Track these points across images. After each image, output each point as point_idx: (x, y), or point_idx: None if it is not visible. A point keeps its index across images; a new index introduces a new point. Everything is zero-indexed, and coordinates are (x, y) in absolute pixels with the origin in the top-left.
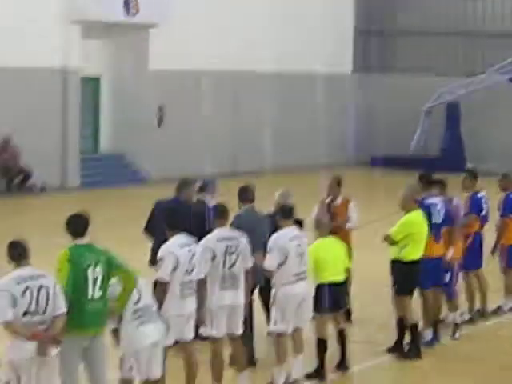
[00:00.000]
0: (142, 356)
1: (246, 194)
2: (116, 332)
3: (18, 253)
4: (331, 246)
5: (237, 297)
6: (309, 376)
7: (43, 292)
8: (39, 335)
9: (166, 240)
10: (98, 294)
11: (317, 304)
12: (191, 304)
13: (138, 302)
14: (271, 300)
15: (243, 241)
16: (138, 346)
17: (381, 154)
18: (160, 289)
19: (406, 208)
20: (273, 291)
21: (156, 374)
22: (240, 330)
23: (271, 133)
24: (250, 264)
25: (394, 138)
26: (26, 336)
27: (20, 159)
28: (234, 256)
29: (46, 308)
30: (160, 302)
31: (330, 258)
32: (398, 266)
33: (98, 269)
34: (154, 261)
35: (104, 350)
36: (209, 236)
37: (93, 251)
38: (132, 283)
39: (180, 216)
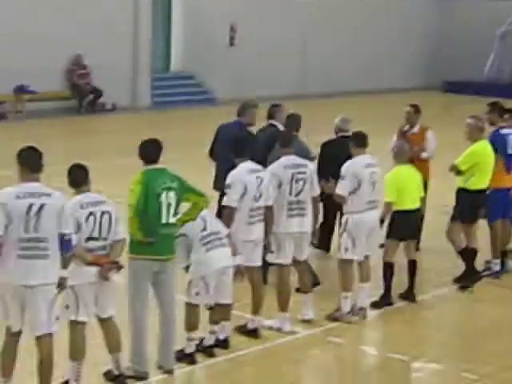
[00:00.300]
0: (210, 281)
1: (291, 122)
2: (187, 268)
3: (79, 178)
4: (408, 174)
5: (304, 224)
6: (375, 304)
7: (105, 218)
8: (101, 260)
9: (232, 166)
10: (171, 219)
11: (390, 230)
12: (259, 230)
13: (204, 229)
14: (341, 227)
15: (310, 168)
16: (206, 270)
17: (453, 79)
18: (228, 215)
19: (472, 138)
20: (344, 218)
21: (226, 298)
22: (305, 256)
23: (341, 56)
24: (317, 191)
25: (467, 62)
26: (88, 261)
27: (91, 78)
28: (300, 183)
29: (108, 234)
30: (227, 227)
31: (407, 185)
32: (463, 194)
33: (172, 194)
34: (217, 185)
35: (174, 274)
36: (275, 163)
37: (166, 176)
38: (203, 205)
39: (248, 143)
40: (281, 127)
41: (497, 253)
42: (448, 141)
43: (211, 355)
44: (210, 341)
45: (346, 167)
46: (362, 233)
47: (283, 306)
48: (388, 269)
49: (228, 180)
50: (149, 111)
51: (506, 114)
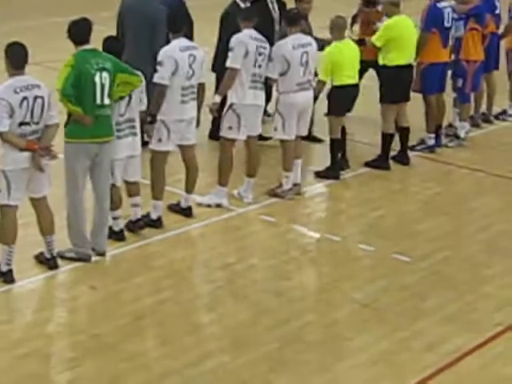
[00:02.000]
0: (116, 165)
1: None
2: None
3: (17, 60)
4: (346, 49)
5: (263, 97)
6: (320, 174)
7: (39, 102)
8: (33, 146)
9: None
10: (106, 100)
11: (330, 107)
12: (192, 109)
13: (123, 114)
14: (274, 107)
15: (268, 46)
16: (117, 157)
17: None
18: (159, 92)
19: (389, 13)
20: (276, 98)
21: (133, 177)
22: (259, 131)
23: None
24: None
25: None
26: (21, 146)
27: None
28: (262, 57)
29: (40, 118)
30: (158, 105)
31: (344, 61)
32: (384, 72)
33: (105, 74)
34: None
35: (110, 157)
36: (240, 33)
37: (99, 56)
38: (136, 84)
39: (183, 17)
40: (241, 4)
41: (432, 127)
42: None
43: (136, 231)
44: (135, 216)
45: (275, 49)
46: (293, 114)
47: (224, 180)
48: (335, 144)
49: (159, 57)
50: None
51: None
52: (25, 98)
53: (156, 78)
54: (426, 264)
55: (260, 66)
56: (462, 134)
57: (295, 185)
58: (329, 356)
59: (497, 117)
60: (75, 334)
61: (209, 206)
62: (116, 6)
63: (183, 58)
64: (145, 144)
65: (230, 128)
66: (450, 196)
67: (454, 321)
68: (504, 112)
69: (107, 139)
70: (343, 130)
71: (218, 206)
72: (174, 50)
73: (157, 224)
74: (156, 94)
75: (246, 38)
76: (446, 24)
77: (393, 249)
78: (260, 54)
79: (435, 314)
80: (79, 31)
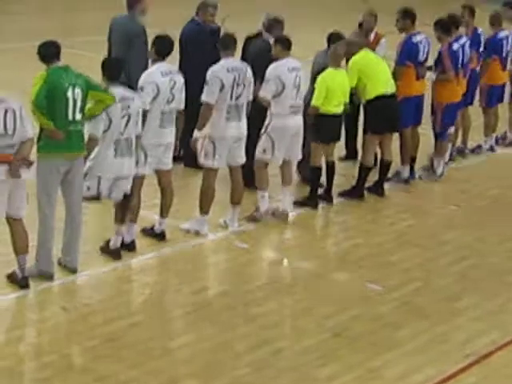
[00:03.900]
0: (104, 181)
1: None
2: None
3: None
4: (338, 78)
5: (241, 128)
6: (299, 203)
7: (9, 115)
8: (9, 158)
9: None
10: (78, 116)
11: (316, 133)
12: (170, 134)
13: (123, 133)
14: (263, 129)
15: (249, 72)
16: (107, 175)
17: None
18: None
19: (349, 53)
20: (267, 121)
21: (120, 197)
22: (243, 161)
23: None
24: (251, 96)
25: None
26: None
27: None
28: (240, 87)
29: (14, 131)
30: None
31: (334, 89)
32: (368, 105)
33: (77, 90)
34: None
35: (82, 174)
36: (216, 66)
37: (70, 73)
38: (109, 102)
39: (168, 43)
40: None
41: (407, 160)
42: None
43: (117, 258)
44: (116, 243)
45: (271, 69)
46: (284, 137)
47: (205, 208)
48: (315, 172)
49: (140, 83)
50: None
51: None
52: None
53: None
54: (398, 294)
55: (238, 97)
56: (438, 170)
57: (283, 212)
58: (299, 383)
59: (472, 151)
60: (46, 354)
61: (188, 231)
62: None
63: (164, 83)
64: None
65: (206, 155)
66: (423, 228)
67: (426, 351)
68: (479, 146)
69: (78, 154)
70: (332, 165)
71: (197, 233)
72: (155, 75)
73: (130, 247)
74: None
75: (223, 71)
76: (421, 58)
77: (366, 278)
78: (238, 85)
79: (407, 344)
80: (48, 50)
